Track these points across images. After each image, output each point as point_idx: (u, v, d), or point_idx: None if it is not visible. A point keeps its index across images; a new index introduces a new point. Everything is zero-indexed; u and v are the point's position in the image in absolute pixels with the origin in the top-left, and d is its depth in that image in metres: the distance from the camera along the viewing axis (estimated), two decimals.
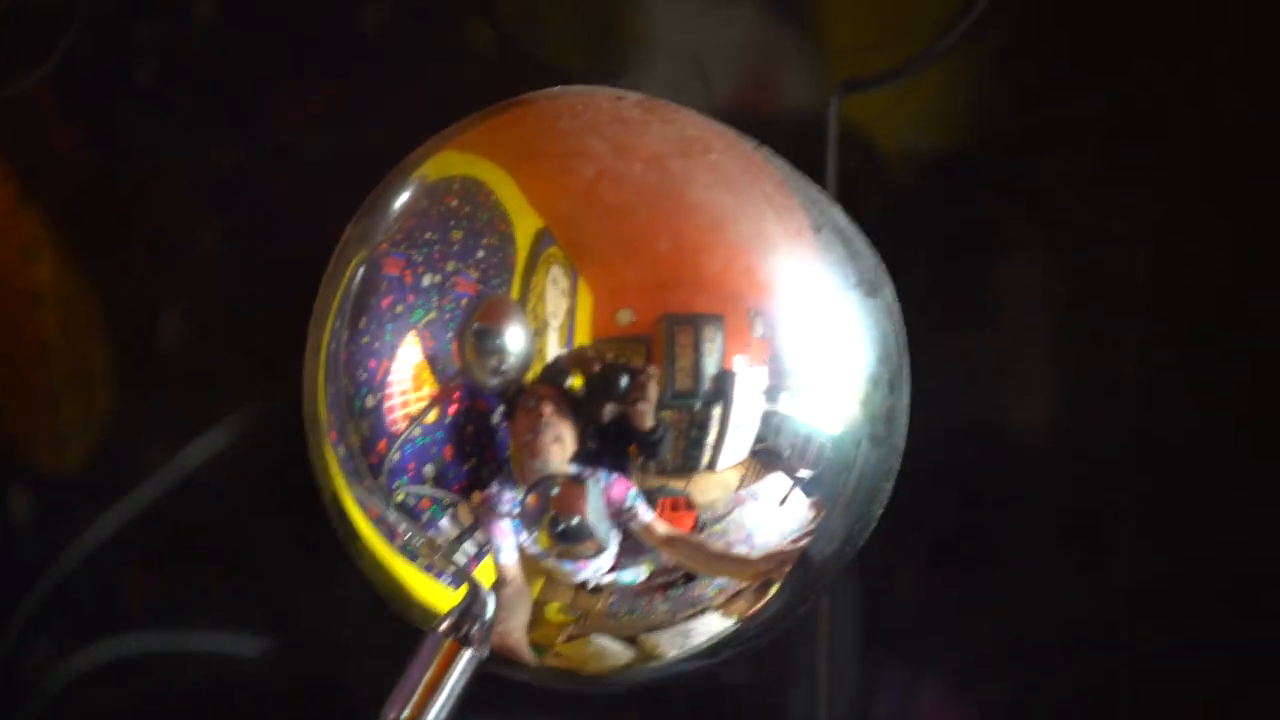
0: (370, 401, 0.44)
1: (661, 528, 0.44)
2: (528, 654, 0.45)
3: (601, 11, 0.66)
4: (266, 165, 0.70)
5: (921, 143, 0.62)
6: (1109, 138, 0.60)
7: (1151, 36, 0.60)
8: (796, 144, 0.47)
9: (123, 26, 0.70)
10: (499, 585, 0.44)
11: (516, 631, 0.44)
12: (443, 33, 0.68)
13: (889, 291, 0.46)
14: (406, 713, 0.44)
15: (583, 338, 0.42)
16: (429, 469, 0.43)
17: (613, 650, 0.45)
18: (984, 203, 0.61)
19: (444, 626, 0.44)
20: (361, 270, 0.44)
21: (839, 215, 0.46)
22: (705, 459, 0.43)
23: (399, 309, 0.43)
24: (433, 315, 0.43)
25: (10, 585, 0.71)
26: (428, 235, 0.43)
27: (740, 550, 0.44)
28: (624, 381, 0.43)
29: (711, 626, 0.45)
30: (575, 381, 0.43)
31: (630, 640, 0.45)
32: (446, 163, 0.44)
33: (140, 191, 0.71)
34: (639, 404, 0.43)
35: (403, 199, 0.44)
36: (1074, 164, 0.60)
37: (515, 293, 0.43)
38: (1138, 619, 0.61)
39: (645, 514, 0.43)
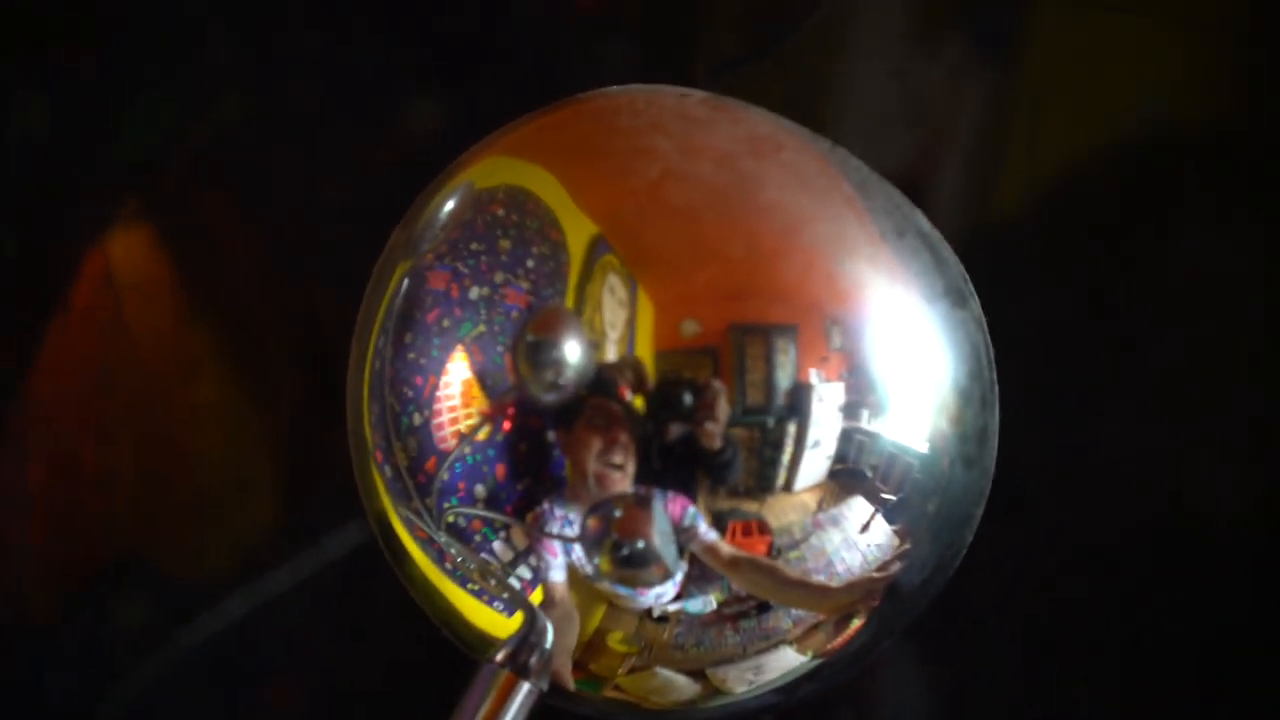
0: (417, 419, 0.41)
1: (726, 549, 0.41)
2: (571, 681, 0.42)
3: None
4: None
5: None
6: None
7: None
8: None
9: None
10: (546, 606, 0.41)
11: (563, 656, 0.42)
12: None
13: (976, 303, 0.43)
14: None
15: (644, 350, 0.40)
16: (480, 489, 0.41)
17: (678, 684, 0.42)
18: None
19: (500, 657, 0.42)
20: (406, 283, 0.42)
21: (922, 220, 0.42)
22: (780, 480, 0.40)
23: (445, 323, 0.41)
24: (481, 329, 0.40)
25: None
26: (473, 246, 0.41)
27: (819, 579, 0.41)
28: (689, 398, 0.40)
29: (786, 662, 0.42)
30: (637, 398, 0.40)
31: (697, 674, 0.42)
32: (493, 169, 0.42)
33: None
34: (706, 423, 0.40)
35: (447, 208, 0.42)
36: None
37: (570, 303, 0.40)
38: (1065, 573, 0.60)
39: (707, 533, 0.40)
